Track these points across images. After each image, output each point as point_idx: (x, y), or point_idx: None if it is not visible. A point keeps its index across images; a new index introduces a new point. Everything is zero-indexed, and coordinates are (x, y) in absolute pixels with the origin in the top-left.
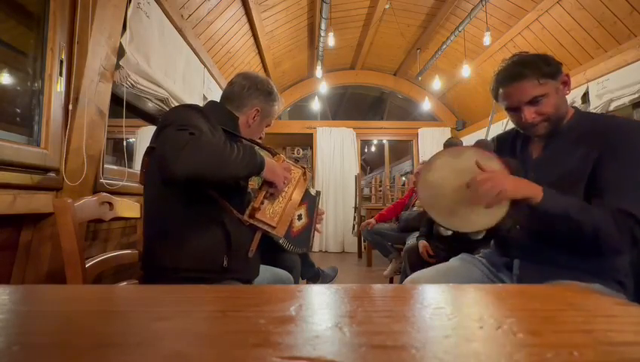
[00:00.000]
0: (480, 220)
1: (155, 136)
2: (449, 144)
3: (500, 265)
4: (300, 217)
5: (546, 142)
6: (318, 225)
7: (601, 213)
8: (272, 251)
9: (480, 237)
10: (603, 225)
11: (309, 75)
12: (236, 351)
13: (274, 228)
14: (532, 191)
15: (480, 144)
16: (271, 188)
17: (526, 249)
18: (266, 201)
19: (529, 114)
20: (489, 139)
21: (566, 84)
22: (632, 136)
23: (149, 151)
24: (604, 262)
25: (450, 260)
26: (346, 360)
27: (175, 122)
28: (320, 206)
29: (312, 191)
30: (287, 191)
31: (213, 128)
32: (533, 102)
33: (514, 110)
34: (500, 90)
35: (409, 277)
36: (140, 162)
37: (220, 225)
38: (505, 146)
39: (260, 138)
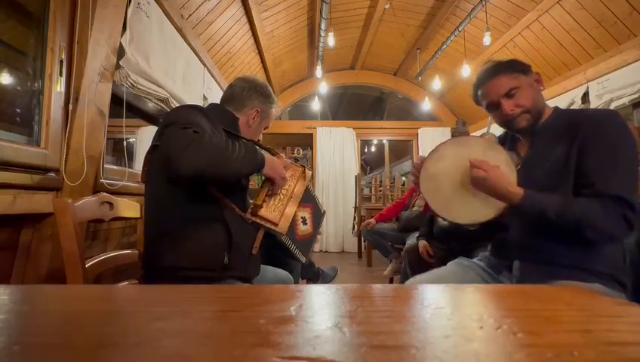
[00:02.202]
0: (478, 212)
1: (158, 135)
2: (456, 133)
3: (501, 268)
4: (304, 221)
5: (531, 140)
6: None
7: (583, 203)
8: (272, 251)
9: (474, 228)
10: (584, 215)
11: (309, 75)
12: (236, 351)
13: (276, 225)
14: (506, 194)
15: (485, 136)
16: (272, 186)
17: (525, 249)
18: (267, 199)
19: (508, 106)
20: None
21: (539, 81)
22: (607, 125)
23: (152, 150)
24: (604, 261)
25: (448, 265)
26: (346, 360)
27: (179, 121)
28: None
29: (321, 209)
30: (287, 188)
31: (214, 128)
32: (510, 94)
33: (494, 107)
34: (480, 92)
35: (405, 283)
36: (142, 161)
37: (222, 224)
38: None
39: (259, 140)
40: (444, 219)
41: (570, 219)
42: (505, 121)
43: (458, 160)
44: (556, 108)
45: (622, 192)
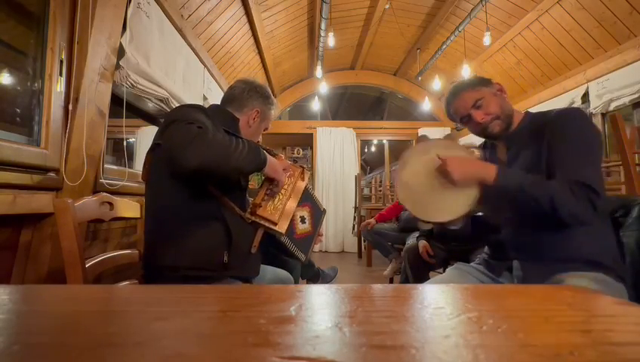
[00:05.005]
0: (452, 208)
1: (161, 133)
2: (420, 140)
3: (500, 270)
4: (303, 220)
5: (508, 145)
6: (316, 245)
7: (555, 183)
8: (272, 251)
9: (457, 227)
10: (557, 193)
11: (309, 75)
12: (236, 351)
13: (275, 224)
14: (482, 172)
15: (447, 136)
16: (272, 185)
17: (523, 248)
18: (266, 198)
19: (478, 115)
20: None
21: (501, 90)
22: (571, 120)
23: (153, 148)
24: (605, 253)
25: (447, 271)
26: (346, 360)
27: (182, 118)
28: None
29: (320, 207)
30: (286, 188)
31: (215, 128)
32: (477, 105)
33: (467, 120)
34: (451, 110)
35: None
36: (142, 161)
37: (222, 222)
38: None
39: (258, 141)
40: (426, 221)
41: (544, 195)
42: (479, 130)
43: (422, 163)
44: (527, 113)
45: (586, 179)
